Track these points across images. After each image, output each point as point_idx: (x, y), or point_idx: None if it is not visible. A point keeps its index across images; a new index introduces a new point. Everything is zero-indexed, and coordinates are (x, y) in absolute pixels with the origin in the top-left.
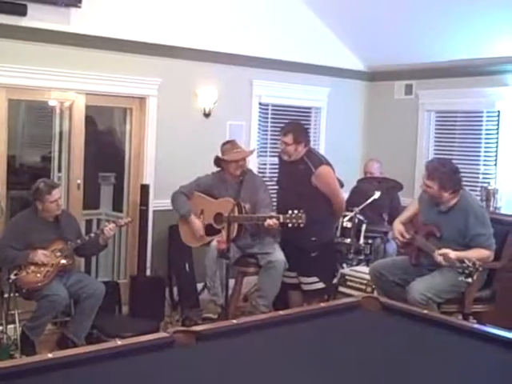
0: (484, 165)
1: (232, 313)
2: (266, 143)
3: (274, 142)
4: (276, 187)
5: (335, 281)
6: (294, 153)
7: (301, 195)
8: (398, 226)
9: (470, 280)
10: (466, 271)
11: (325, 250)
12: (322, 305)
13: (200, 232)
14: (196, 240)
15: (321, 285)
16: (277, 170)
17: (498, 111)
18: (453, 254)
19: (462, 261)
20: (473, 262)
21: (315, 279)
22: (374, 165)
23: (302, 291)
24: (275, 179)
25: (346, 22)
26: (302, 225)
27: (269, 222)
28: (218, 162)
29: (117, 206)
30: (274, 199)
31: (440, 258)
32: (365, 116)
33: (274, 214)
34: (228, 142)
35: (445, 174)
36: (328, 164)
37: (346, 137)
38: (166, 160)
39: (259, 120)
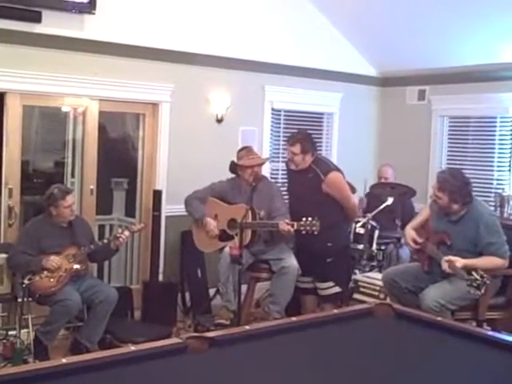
0: (498, 171)
1: (244, 319)
2: (279, 149)
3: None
4: (287, 195)
5: (351, 284)
6: (301, 162)
7: (313, 203)
8: (409, 231)
9: (478, 292)
10: (474, 284)
11: (340, 254)
12: (335, 311)
13: (215, 231)
14: (209, 244)
15: (337, 289)
16: None
17: None
18: (459, 262)
19: (469, 273)
20: (481, 275)
21: (331, 284)
22: (388, 170)
23: (316, 296)
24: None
25: (358, 28)
26: (315, 232)
27: (284, 226)
28: (233, 168)
29: (129, 211)
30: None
31: (445, 266)
32: (377, 121)
33: (288, 221)
34: (244, 149)
35: (455, 186)
36: (337, 170)
37: (359, 142)
38: (178, 166)
39: (271, 126)
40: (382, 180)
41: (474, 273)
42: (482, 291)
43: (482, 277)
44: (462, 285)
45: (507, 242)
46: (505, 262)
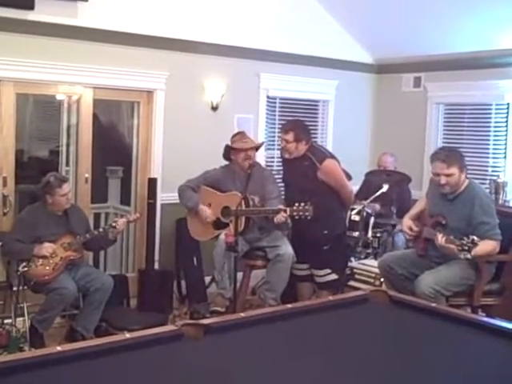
0: (493, 158)
1: (240, 306)
2: (274, 136)
3: None
4: (282, 184)
5: (348, 272)
6: (294, 150)
7: (309, 191)
8: (406, 221)
9: (468, 256)
10: (465, 247)
11: (337, 242)
12: (331, 298)
13: (211, 218)
14: (204, 233)
15: (334, 276)
16: None
17: (508, 104)
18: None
19: (461, 238)
20: (472, 238)
21: (328, 271)
22: (387, 158)
23: (312, 283)
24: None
25: (353, 14)
26: (308, 217)
27: (278, 217)
28: (227, 153)
29: (124, 199)
30: (282, 194)
31: (441, 240)
32: (373, 109)
33: (281, 206)
34: (238, 133)
35: (458, 156)
36: (332, 157)
37: (354, 130)
38: (173, 153)
39: (267, 113)
40: (381, 168)
41: (465, 238)
42: (473, 253)
43: (472, 240)
44: (456, 270)
45: (502, 228)
46: (496, 245)
